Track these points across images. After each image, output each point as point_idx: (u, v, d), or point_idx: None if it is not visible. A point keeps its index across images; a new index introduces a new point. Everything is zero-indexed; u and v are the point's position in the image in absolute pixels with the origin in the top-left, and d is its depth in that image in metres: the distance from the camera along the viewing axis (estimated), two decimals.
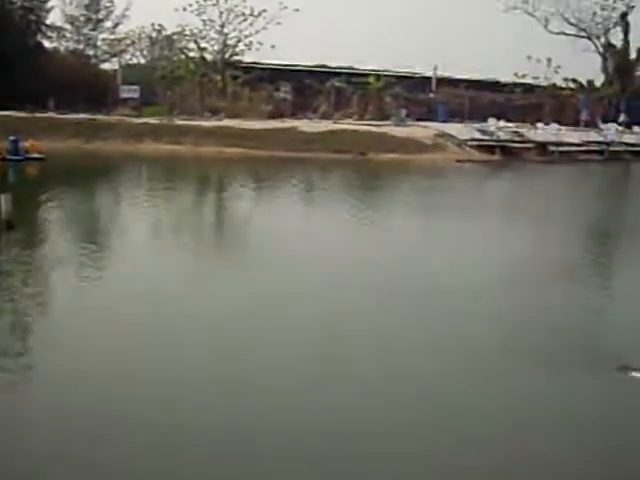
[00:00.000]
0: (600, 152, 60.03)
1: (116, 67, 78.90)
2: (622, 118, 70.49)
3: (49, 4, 76.30)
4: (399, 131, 56.76)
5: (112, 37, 77.60)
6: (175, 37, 76.07)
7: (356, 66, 75.34)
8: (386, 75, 70.91)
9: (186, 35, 73.93)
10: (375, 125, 58.73)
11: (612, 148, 60.90)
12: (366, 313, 14.93)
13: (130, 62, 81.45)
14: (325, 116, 64.91)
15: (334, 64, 76.56)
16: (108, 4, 77.47)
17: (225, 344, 12.94)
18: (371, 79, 69.66)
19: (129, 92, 69.47)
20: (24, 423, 9.84)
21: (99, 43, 78.06)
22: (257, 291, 16.28)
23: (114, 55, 79.42)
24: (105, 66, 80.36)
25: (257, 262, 19.21)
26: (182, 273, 17.79)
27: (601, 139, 62.15)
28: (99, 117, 58.43)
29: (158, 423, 9.92)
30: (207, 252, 21.43)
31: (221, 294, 16.10)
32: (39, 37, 76.43)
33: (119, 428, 9.75)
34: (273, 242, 21.83)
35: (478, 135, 57.81)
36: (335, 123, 59.64)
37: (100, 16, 76.99)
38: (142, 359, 12.19)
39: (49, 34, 77.63)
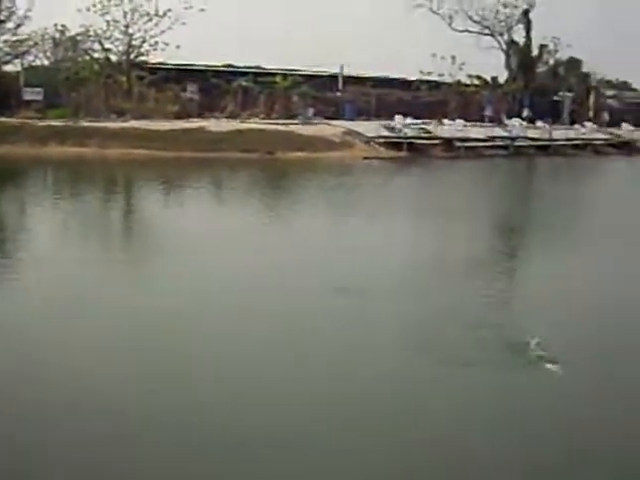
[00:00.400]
0: (505, 147, 61.10)
1: (19, 69, 77.55)
2: (526, 113, 71.94)
3: None
4: (306, 130, 56.94)
5: (14, 38, 76.10)
6: (79, 38, 74.96)
7: (263, 65, 75.38)
8: (293, 74, 70.97)
9: (90, 36, 72.96)
10: (282, 124, 58.81)
11: (517, 143, 62.08)
12: (272, 313, 14.92)
13: (33, 64, 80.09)
14: (232, 116, 64.71)
15: (241, 64, 76.47)
16: (9, 5, 75.98)
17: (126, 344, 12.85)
18: (278, 78, 69.69)
19: (32, 94, 68.30)
20: None
21: (0, 45, 76.63)
22: (163, 291, 16.21)
23: (16, 57, 77.95)
24: (7, 68, 78.90)
25: (164, 264, 19.09)
26: (86, 280, 17.49)
27: (506, 134, 63.28)
28: (2, 120, 57.32)
29: None
30: (114, 257, 21.12)
31: (125, 299, 15.96)
32: None
33: None
34: (180, 245, 21.67)
35: (385, 132, 58.33)
36: (242, 123, 59.51)
37: (1, 17, 75.52)
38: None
39: None
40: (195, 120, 60.72)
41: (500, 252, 23.22)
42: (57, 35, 77.86)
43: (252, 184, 40.45)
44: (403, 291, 16.50)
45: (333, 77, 74.96)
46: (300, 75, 71.50)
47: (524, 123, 66.95)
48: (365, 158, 52.83)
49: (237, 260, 19.51)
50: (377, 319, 14.46)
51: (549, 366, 11.98)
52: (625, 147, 68.52)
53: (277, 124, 58.91)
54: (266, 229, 25.40)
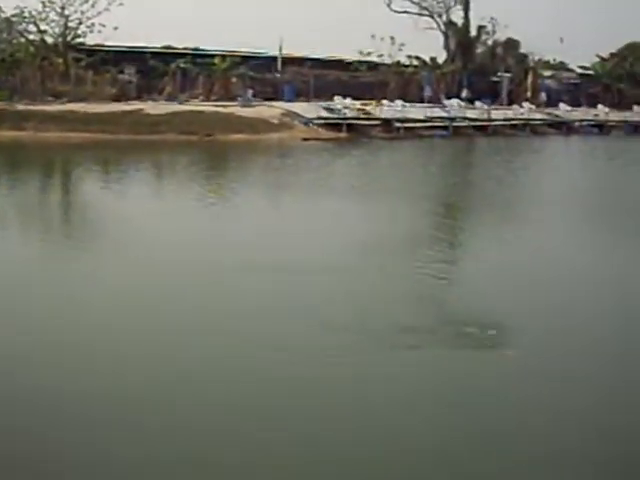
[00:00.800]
0: (444, 127, 61.44)
1: None
2: (464, 94, 72.45)
3: None
4: (246, 111, 56.78)
5: None
6: (14, 19, 73.78)
7: (201, 47, 74.91)
8: (232, 55, 70.66)
9: (25, 17, 71.87)
10: (221, 106, 58.56)
11: (455, 124, 62.49)
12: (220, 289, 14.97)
13: None
14: (171, 98, 64.36)
15: (179, 45, 75.93)
16: None
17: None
18: (217, 60, 69.35)
19: None
20: None
21: None
22: (106, 276, 16.14)
23: None
24: None
25: (106, 249, 18.98)
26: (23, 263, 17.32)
27: (445, 115, 63.62)
28: None
29: None
30: (51, 242, 20.88)
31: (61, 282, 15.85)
32: None
33: None
34: (121, 228, 21.50)
35: (324, 113, 58.38)
36: (181, 104, 59.17)
37: None
38: None
39: None
40: (133, 102, 60.32)
41: (439, 229, 23.47)
42: None
43: (191, 166, 40.20)
44: (338, 270, 16.54)
45: (272, 58, 74.77)
46: (239, 56, 71.21)
47: (463, 104, 67.47)
48: (305, 139, 52.84)
49: (169, 243, 19.42)
50: (310, 298, 14.52)
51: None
52: (562, 127, 69.31)
53: (216, 106, 58.65)
54: (203, 211, 25.34)
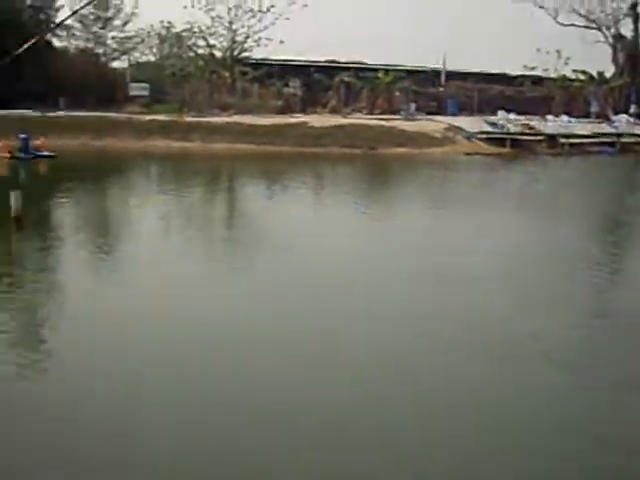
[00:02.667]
0: (611, 144, 59.71)
1: (125, 65, 79.06)
2: (633, 109, 70.24)
3: (58, 3, 76.56)
4: (408, 125, 56.69)
5: (121, 35, 77.66)
6: (184, 34, 76.05)
7: (365, 61, 75.29)
8: (395, 69, 70.91)
9: (195, 32, 74.05)
10: (384, 119, 58.67)
11: (623, 140, 60.63)
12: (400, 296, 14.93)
13: (139, 60, 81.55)
14: (334, 111, 64.90)
15: (343, 59, 76.53)
16: (117, 2, 77.54)
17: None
18: (380, 74, 69.59)
19: (138, 90, 69.67)
20: None
21: (109, 41, 78.13)
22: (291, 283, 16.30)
23: (124, 53, 79.49)
24: (115, 64, 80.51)
25: (270, 259, 19.17)
26: (196, 276, 17.59)
27: (612, 131, 61.88)
28: (109, 115, 58.51)
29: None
30: (226, 252, 21.21)
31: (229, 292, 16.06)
32: (49, 36, 76.61)
33: None
34: (286, 239, 21.69)
35: (488, 128, 57.70)
36: (344, 118, 59.58)
37: (109, 14, 77.07)
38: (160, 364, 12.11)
39: (59, 33, 77.82)
40: (298, 115, 61.08)
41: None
42: (163, 32, 79.10)
43: (354, 179, 40.39)
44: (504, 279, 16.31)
45: (435, 72, 74.54)
46: (402, 70, 71.37)
47: (631, 119, 65.51)
48: (467, 154, 52.36)
49: (359, 251, 19.53)
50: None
51: None
52: None
53: (379, 119, 58.80)
54: (367, 224, 25.30)
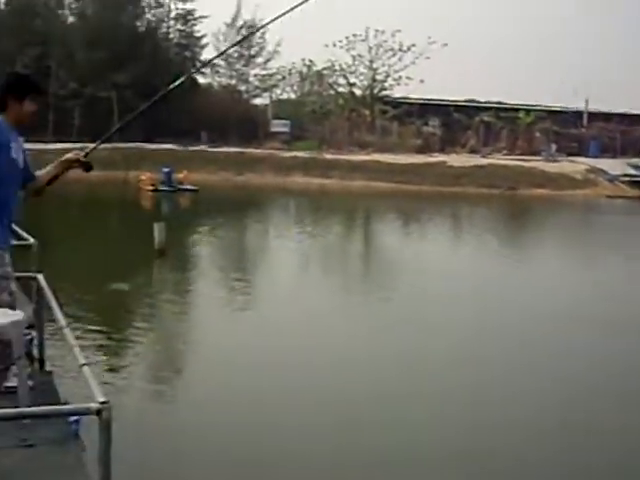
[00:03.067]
0: None
1: (267, 102, 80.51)
2: None
3: (203, 41, 78.86)
4: (549, 166, 55.94)
5: (263, 73, 79.25)
6: (325, 72, 76.98)
7: (505, 101, 74.69)
8: (536, 110, 70.08)
9: (336, 70, 74.87)
10: (524, 160, 58.01)
11: None
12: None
13: (281, 97, 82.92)
14: (473, 151, 64.52)
15: (483, 99, 76.17)
16: (260, 40, 79.14)
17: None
18: (521, 114, 68.90)
19: (279, 126, 70.77)
20: None
21: (251, 78, 79.83)
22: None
23: (265, 90, 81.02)
24: (256, 101, 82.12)
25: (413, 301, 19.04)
26: (324, 308, 17.58)
27: None
28: (250, 150, 59.60)
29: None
30: (362, 289, 21.11)
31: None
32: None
33: None
34: (431, 278, 21.49)
35: (631, 171, 56.36)
36: (484, 158, 59.18)
37: (252, 52, 78.71)
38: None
39: (203, 70, 79.88)
40: (436, 154, 60.96)
41: None
42: (304, 69, 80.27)
43: (493, 220, 39.93)
44: None
45: (577, 113, 73.33)
46: (543, 111, 70.48)
47: None
48: (609, 197, 51.19)
49: (499, 295, 19.18)
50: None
51: None
52: None
53: (519, 160, 58.17)
54: (508, 270, 24.77)
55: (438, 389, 11.82)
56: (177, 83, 8.05)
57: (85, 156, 6.95)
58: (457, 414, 10.86)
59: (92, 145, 7.04)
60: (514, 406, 11.25)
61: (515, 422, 10.56)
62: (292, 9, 6.56)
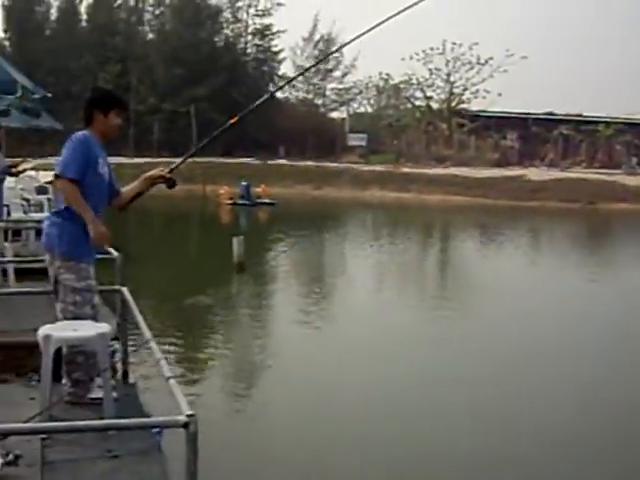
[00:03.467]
0: None
1: (344, 115, 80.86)
2: None
3: (281, 56, 79.56)
4: (630, 180, 55.06)
5: (340, 86, 79.72)
6: (402, 86, 77.06)
7: (585, 113, 73.88)
8: (616, 122, 69.11)
9: (413, 84, 74.95)
10: (604, 173, 57.24)
11: None
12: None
13: (357, 110, 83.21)
14: (552, 164, 63.89)
15: (562, 111, 75.40)
16: (337, 55, 79.51)
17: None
18: (600, 126, 68.06)
19: (356, 140, 71.06)
20: None
21: (328, 92, 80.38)
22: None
23: (342, 104, 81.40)
24: (333, 114, 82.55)
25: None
26: (401, 326, 17.47)
27: None
28: (327, 164, 59.86)
29: None
30: (440, 305, 20.96)
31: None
32: (271, 87, 79.45)
33: None
34: (511, 296, 21.29)
35: None
36: (562, 171, 58.55)
37: (329, 66, 79.16)
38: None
39: (280, 84, 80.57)
40: (514, 168, 60.49)
41: None
42: (381, 83, 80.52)
43: (573, 236, 39.38)
44: None
45: None
46: (624, 123, 69.48)
47: None
48: None
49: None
50: None
51: None
52: None
53: (599, 173, 57.42)
54: (590, 287, 24.30)
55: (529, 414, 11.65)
56: (263, 99, 8.19)
57: (170, 172, 7.09)
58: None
59: (177, 160, 7.17)
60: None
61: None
62: (371, 29, 6.62)
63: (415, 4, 6.66)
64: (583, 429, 10.93)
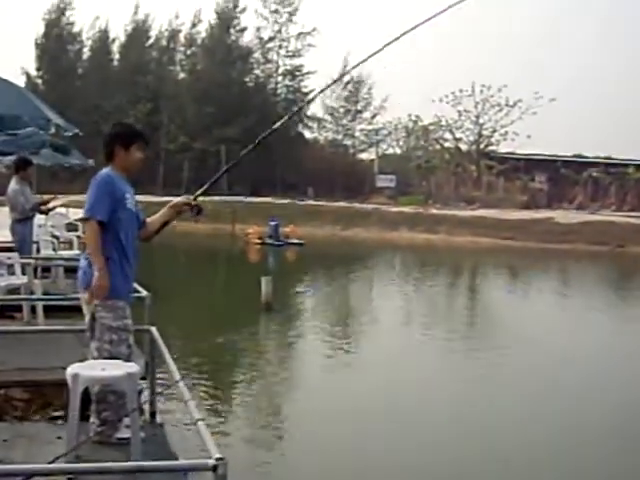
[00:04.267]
0: None
1: (373, 157, 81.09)
2: None
3: (309, 96, 79.95)
4: None
5: (370, 127, 79.91)
6: (431, 127, 77.27)
7: (614, 156, 73.69)
8: None
9: (442, 125, 75.12)
10: (634, 216, 56.88)
11: None
12: None
13: (386, 152, 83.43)
14: (581, 207, 63.63)
15: (591, 154, 75.27)
16: (366, 96, 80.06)
17: None
18: (630, 169, 67.78)
19: (385, 181, 71.21)
20: None
21: (357, 133, 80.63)
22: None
23: (371, 145, 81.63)
24: (362, 155, 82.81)
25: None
26: (427, 369, 17.34)
27: None
28: (356, 205, 59.97)
29: None
30: (468, 349, 20.78)
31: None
32: (300, 127, 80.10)
33: None
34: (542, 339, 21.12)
35: None
36: (592, 214, 58.28)
37: (359, 107, 79.63)
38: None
39: (310, 125, 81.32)
40: (543, 210, 60.31)
41: None
42: (410, 124, 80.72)
43: (602, 279, 39.06)
44: None
45: None
46: None
47: None
48: None
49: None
50: None
51: None
52: None
53: (629, 216, 57.08)
54: (621, 332, 24.06)
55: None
56: (286, 118, 8.24)
57: (194, 199, 7.12)
58: None
59: (206, 198, 7.21)
60: None
61: None
62: (387, 45, 6.62)
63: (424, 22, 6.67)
64: None
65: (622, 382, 16.24)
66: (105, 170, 6.92)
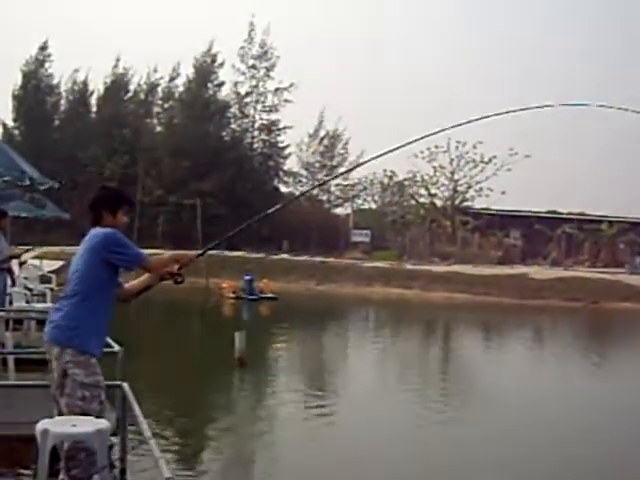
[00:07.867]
0: None
1: (348, 211, 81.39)
2: None
3: (287, 151, 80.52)
4: (633, 279, 54.95)
5: (345, 183, 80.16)
6: (406, 183, 77.72)
7: (588, 212, 74.32)
8: (619, 221, 69.45)
9: (417, 181, 75.47)
10: (608, 273, 57.24)
11: None
12: None
13: (362, 207, 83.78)
14: (555, 263, 63.94)
15: (565, 210, 75.90)
16: (342, 151, 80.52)
17: None
18: (604, 225, 68.35)
19: (360, 236, 71.44)
20: None
21: (332, 188, 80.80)
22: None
23: (346, 200, 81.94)
24: (337, 210, 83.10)
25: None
26: (405, 430, 17.28)
27: None
28: (330, 260, 59.98)
29: None
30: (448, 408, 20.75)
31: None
32: (276, 182, 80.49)
33: None
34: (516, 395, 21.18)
35: None
36: (566, 270, 58.56)
37: (335, 163, 79.91)
38: None
39: (285, 179, 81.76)
40: (518, 266, 60.57)
41: None
42: (385, 180, 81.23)
43: (577, 335, 39.18)
44: None
45: None
46: (627, 222, 69.80)
47: None
48: None
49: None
50: None
51: None
52: None
53: (602, 272, 57.43)
54: (596, 387, 24.11)
55: None
56: (278, 207, 8.39)
57: (179, 269, 7.18)
58: None
59: (189, 252, 7.31)
60: None
61: None
62: (390, 151, 6.78)
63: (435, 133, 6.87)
64: None
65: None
66: (102, 230, 7.01)
